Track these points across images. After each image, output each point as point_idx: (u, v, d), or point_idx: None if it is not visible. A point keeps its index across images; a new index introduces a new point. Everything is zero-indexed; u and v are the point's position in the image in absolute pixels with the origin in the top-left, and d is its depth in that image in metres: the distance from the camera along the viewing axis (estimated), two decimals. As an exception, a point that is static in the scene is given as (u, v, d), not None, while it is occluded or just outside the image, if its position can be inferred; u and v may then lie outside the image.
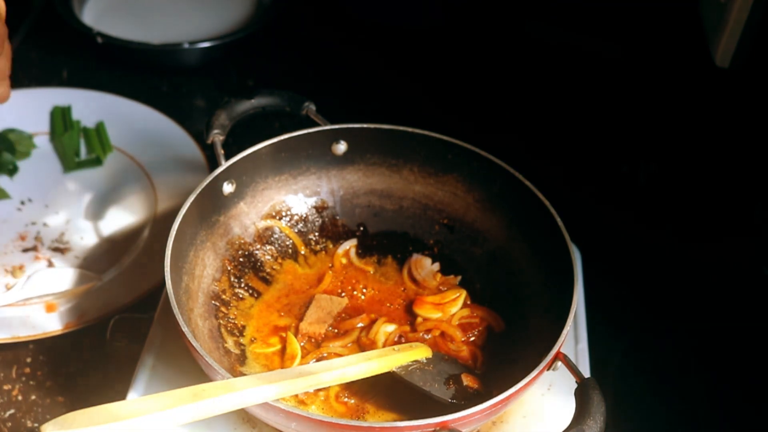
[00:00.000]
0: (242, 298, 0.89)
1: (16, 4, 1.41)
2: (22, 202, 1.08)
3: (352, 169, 0.97)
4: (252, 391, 0.69)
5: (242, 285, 0.90)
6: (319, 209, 0.97)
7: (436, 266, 0.94)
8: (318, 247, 0.96)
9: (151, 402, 0.65)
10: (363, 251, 0.96)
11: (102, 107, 1.20)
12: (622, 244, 1.06)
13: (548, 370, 0.75)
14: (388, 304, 0.91)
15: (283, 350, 0.85)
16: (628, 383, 0.96)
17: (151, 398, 0.66)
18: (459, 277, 0.93)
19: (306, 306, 0.89)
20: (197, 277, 0.85)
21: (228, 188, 0.90)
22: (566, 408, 0.76)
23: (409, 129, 0.94)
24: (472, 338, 0.87)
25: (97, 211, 1.08)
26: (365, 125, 0.94)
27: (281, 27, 1.41)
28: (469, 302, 0.90)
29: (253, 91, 0.94)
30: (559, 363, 0.75)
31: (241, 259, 0.91)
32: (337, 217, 0.98)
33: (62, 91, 1.23)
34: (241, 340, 0.86)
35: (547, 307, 0.84)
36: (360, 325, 0.88)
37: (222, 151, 0.89)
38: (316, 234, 0.97)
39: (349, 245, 0.96)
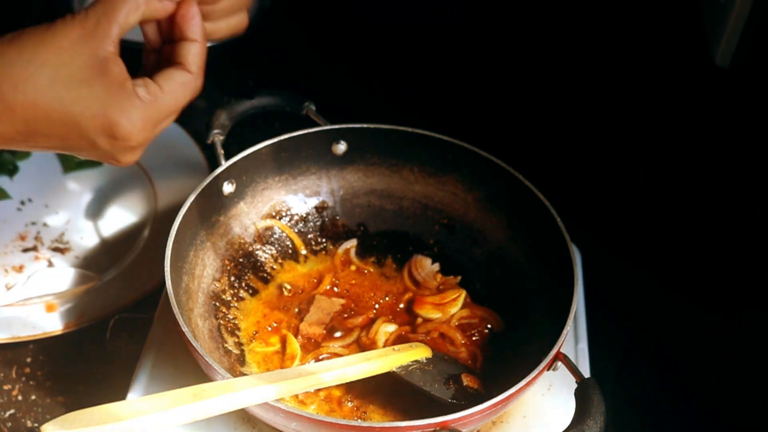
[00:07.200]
0: (242, 298, 0.89)
1: (16, 4, 1.42)
2: (22, 202, 1.08)
3: (352, 169, 0.97)
4: (252, 391, 0.69)
5: (242, 285, 0.90)
6: (319, 209, 0.97)
7: (436, 266, 0.94)
8: (318, 247, 0.96)
9: (151, 402, 0.65)
10: (363, 251, 0.96)
11: (102, 107, 1.20)
12: (622, 244, 1.06)
13: (548, 370, 0.75)
14: (388, 304, 0.91)
15: (283, 350, 0.85)
16: (628, 383, 0.96)
17: (151, 398, 0.66)
18: (459, 277, 0.93)
19: (306, 306, 0.89)
20: (197, 277, 0.85)
21: (228, 188, 0.90)
22: (566, 408, 0.76)
23: (409, 129, 0.93)
24: (473, 339, 0.87)
25: (97, 211, 1.08)
26: (365, 125, 0.94)
27: (282, 27, 1.41)
28: (469, 302, 0.90)
29: (253, 91, 0.94)
30: (559, 363, 0.75)
31: (241, 259, 0.91)
32: (337, 217, 0.98)
33: (62, 91, 1.22)
34: (241, 340, 0.86)
35: (547, 307, 0.84)
36: (360, 325, 0.88)
37: (222, 151, 0.89)
38: (316, 234, 0.97)
39: (349, 245, 0.96)
